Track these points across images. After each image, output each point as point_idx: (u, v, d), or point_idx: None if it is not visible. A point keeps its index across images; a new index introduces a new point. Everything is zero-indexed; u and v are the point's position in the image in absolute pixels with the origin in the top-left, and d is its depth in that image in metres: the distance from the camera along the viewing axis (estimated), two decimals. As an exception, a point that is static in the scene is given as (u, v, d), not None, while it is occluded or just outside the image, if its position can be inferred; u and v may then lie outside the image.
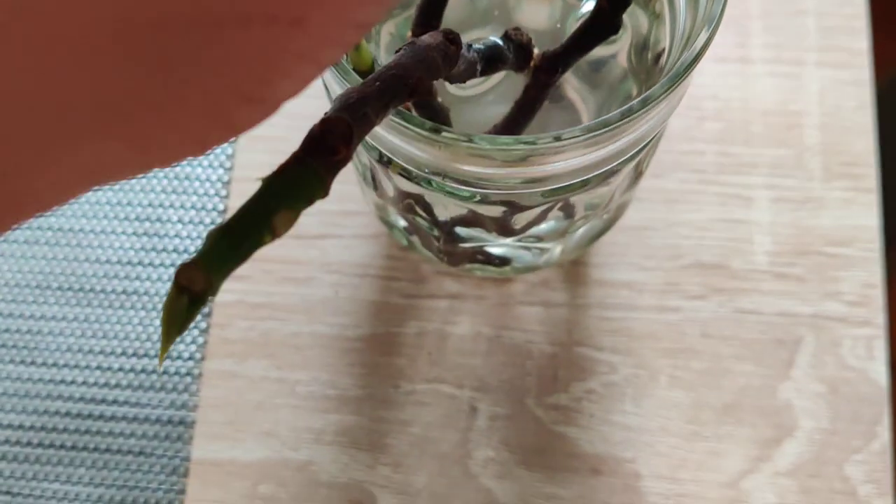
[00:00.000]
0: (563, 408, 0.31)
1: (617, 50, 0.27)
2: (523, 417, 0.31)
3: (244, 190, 0.34)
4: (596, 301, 0.32)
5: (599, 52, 0.28)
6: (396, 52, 0.19)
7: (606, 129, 0.20)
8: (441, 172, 0.21)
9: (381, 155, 0.22)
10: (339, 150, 0.16)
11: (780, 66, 0.34)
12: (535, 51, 0.24)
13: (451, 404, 0.31)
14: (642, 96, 0.20)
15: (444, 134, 0.19)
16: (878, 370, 0.30)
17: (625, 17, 0.26)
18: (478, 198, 0.22)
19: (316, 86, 0.17)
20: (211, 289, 0.15)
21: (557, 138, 0.19)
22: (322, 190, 0.17)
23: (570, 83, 0.28)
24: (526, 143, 0.19)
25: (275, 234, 0.16)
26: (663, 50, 0.24)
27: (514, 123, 0.24)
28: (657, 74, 0.24)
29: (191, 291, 0.14)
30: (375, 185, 0.25)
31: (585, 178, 0.22)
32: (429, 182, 0.22)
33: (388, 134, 0.20)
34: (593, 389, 0.31)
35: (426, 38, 0.19)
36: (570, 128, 0.19)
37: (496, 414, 0.31)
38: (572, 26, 0.25)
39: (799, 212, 0.32)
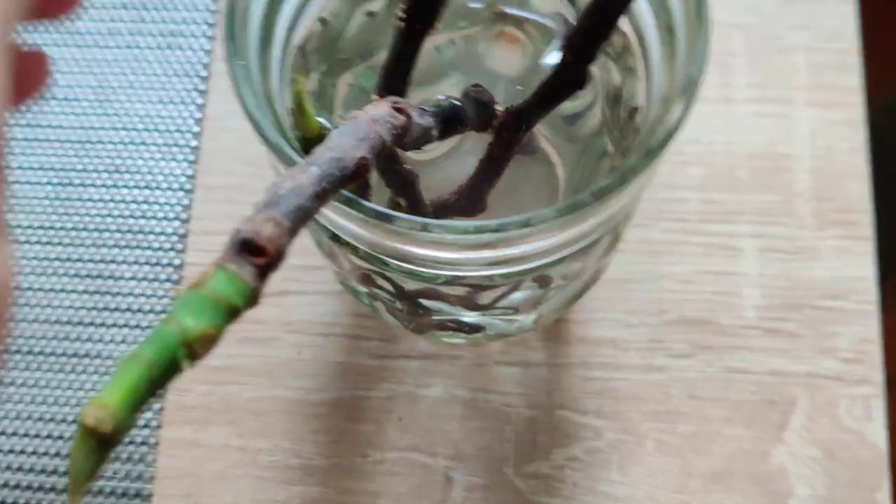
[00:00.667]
0: (545, 476, 0.29)
1: (591, 102, 0.25)
2: (502, 488, 0.29)
3: (201, 244, 0.32)
4: (578, 360, 0.30)
5: (574, 104, 0.26)
6: (336, 128, 0.17)
7: (579, 210, 0.18)
8: (397, 256, 0.19)
9: (333, 234, 0.20)
10: (268, 251, 0.15)
11: (767, 105, 0.32)
12: (499, 108, 0.22)
13: (425, 474, 0.29)
14: (619, 172, 0.18)
15: (395, 222, 0.17)
16: (877, 432, 0.29)
17: (595, 69, 0.24)
18: (441, 279, 0.20)
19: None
20: (121, 429, 0.13)
21: (526, 224, 0.17)
22: (251, 300, 0.15)
23: (545, 135, 0.26)
24: (489, 230, 0.17)
25: (194, 358, 0.14)
26: (637, 107, 0.22)
27: (480, 184, 0.23)
28: (632, 132, 0.22)
29: (99, 433, 0.13)
30: (331, 255, 0.23)
31: (560, 256, 0.20)
32: (384, 263, 0.20)
33: (336, 216, 0.18)
34: (576, 456, 0.29)
35: (370, 109, 0.17)
36: (539, 210, 0.17)
37: (473, 484, 0.29)
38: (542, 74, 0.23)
39: (790, 262, 0.30)
